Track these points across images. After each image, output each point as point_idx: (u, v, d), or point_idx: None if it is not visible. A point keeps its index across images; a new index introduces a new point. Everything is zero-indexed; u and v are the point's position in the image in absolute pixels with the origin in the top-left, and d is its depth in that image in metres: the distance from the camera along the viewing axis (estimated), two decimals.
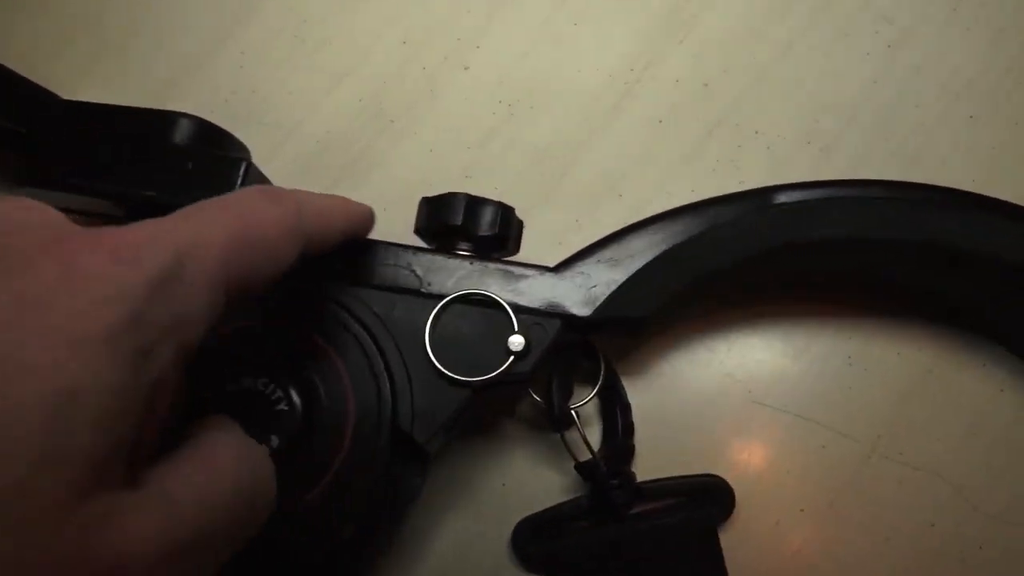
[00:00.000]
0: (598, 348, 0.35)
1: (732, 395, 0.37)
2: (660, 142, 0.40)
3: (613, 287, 0.32)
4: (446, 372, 0.31)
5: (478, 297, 0.32)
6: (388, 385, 0.30)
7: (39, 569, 0.18)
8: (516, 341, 0.31)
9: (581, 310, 0.32)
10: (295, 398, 0.30)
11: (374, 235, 0.34)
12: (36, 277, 0.19)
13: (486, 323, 0.32)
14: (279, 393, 0.30)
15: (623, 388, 0.36)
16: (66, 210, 0.34)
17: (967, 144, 0.39)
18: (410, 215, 0.34)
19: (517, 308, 0.32)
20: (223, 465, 0.23)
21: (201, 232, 0.22)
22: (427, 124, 0.42)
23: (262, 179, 0.34)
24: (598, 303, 0.32)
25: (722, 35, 0.41)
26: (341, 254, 0.32)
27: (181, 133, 0.34)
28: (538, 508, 0.36)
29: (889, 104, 0.40)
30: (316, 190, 0.40)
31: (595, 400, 0.37)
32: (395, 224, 0.37)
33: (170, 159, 0.33)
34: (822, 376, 0.37)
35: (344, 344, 0.31)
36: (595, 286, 0.32)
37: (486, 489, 0.37)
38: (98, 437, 0.18)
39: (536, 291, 0.32)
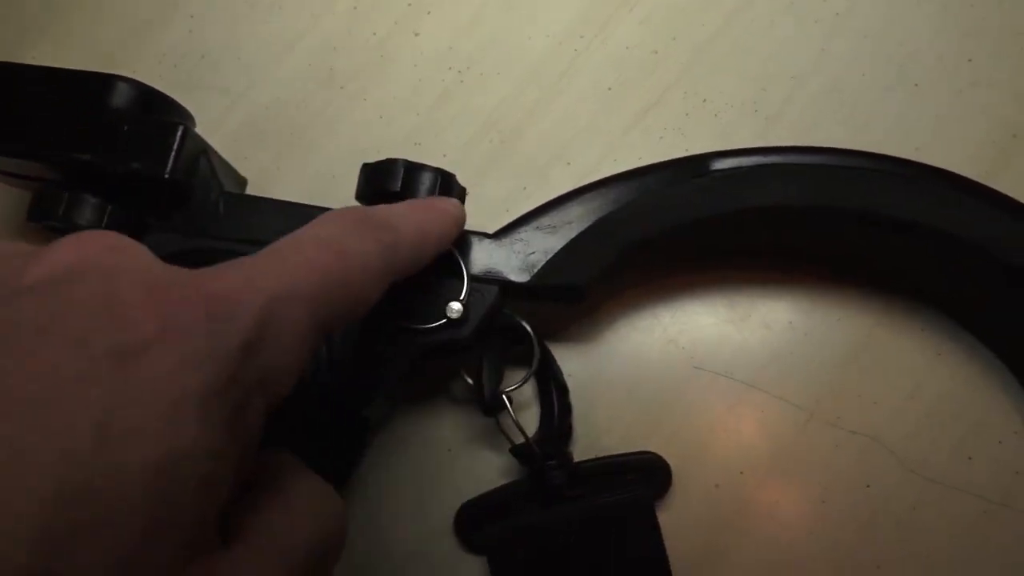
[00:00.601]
0: (530, 329, 0.35)
1: (675, 361, 0.37)
2: (609, 109, 0.40)
3: (550, 254, 0.32)
4: (390, 325, 0.31)
5: None
6: (326, 352, 0.30)
7: None
8: (454, 309, 0.31)
9: (519, 276, 0.32)
10: None
11: (319, 202, 0.33)
12: (135, 331, 0.18)
13: (423, 291, 0.32)
14: None
15: (559, 369, 0.36)
16: (5, 173, 0.34)
17: (912, 111, 0.39)
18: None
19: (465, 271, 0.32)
20: (302, 510, 0.22)
21: (296, 278, 0.21)
22: (377, 90, 0.42)
23: (201, 145, 0.34)
24: (535, 270, 0.32)
25: (672, 2, 0.41)
26: (280, 218, 0.32)
27: (119, 97, 0.34)
28: (481, 483, 0.36)
29: (836, 72, 0.40)
30: (264, 157, 0.40)
31: (532, 382, 0.37)
32: (343, 190, 0.37)
33: (106, 123, 0.32)
34: (763, 342, 0.37)
35: None
36: (533, 253, 0.32)
37: (431, 457, 0.37)
38: (201, 501, 0.18)
39: (475, 257, 0.32)
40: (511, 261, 0.32)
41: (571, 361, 0.37)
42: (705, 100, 0.40)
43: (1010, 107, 0.39)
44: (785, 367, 0.36)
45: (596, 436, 0.36)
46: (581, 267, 0.32)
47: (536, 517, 0.35)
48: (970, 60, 0.39)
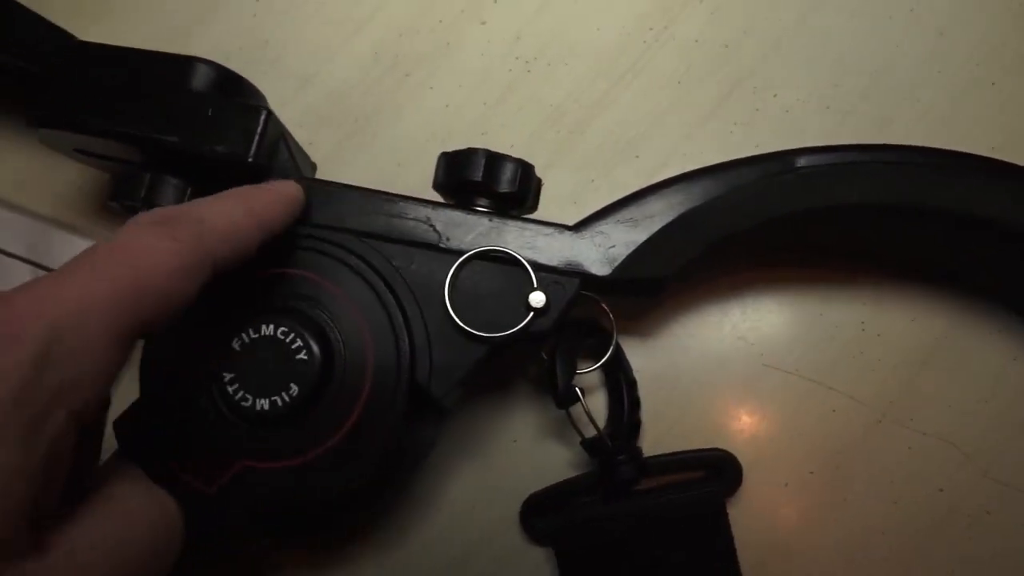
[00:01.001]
0: (613, 321, 0.35)
1: (744, 359, 0.37)
2: (678, 103, 0.40)
3: (632, 247, 0.32)
4: (465, 328, 0.31)
5: (498, 254, 0.32)
6: (407, 339, 0.30)
7: None
8: (537, 298, 0.31)
9: (600, 269, 0.32)
10: (314, 348, 0.30)
11: (391, 188, 0.33)
12: None
13: (505, 280, 0.32)
14: (298, 342, 0.30)
15: (628, 363, 0.36)
16: (82, 152, 0.34)
17: (989, 110, 0.39)
18: (425, 169, 0.34)
19: (536, 266, 0.31)
20: (135, 516, 0.24)
21: (86, 291, 0.22)
22: (443, 78, 0.42)
23: (280, 129, 0.34)
24: (617, 263, 0.32)
25: None
26: (356, 206, 0.32)
27: (200, 79, 0.33)
28: (546, 474, 0.36)
29: (911, 69, 0.39)
30: (328, 143, 0.40)
31: (600, 374, 0.36)
32: (409, 179, 0.37)
33: (190, 105, 0.32)
34: (835, 341, 0.37)
35: (363, 297, 0.31)
36: (614, 246, 0.32)
37: (497, 446, 0.37)
38: None
39: (555, 249, 0.32)
40: (591, 254, 0.32)
41: (639, 355, 0.37)
42: (776, 95, 0.40)
43: None
44: (857, 367, 0.36)
45: (663, 431, 0.36)
46: (664, 261, 0.32)
47: (605, 510, 0.35)
48: None
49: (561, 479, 0.36)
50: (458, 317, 0.31)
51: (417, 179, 0.35)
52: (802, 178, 0.32)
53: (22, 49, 0.34)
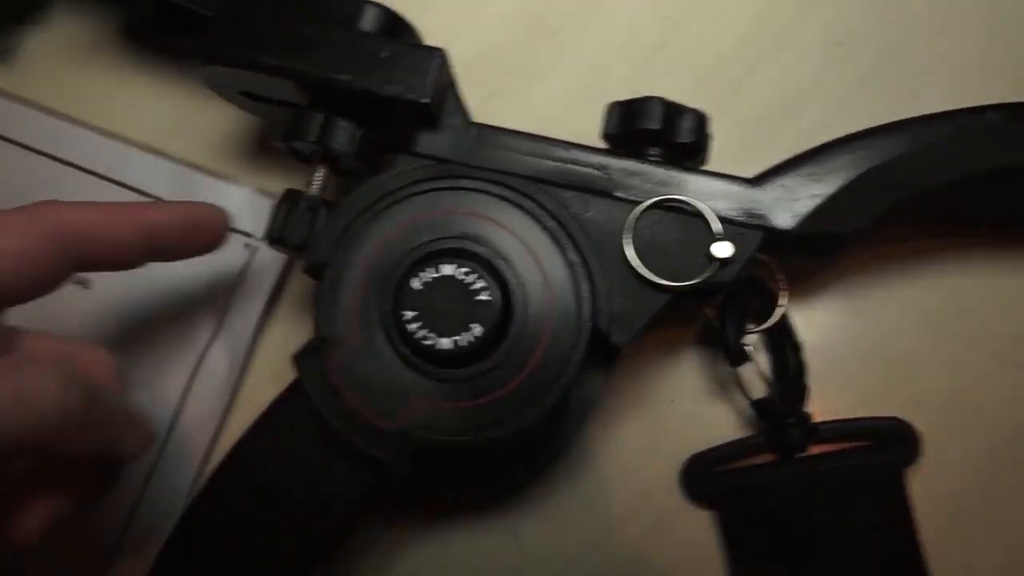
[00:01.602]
0: (777, 281, 0.34)
1: (915, 328, 0.36)
2: (838, 66, 0.39)
3: (817, 201, 0.31)
4: (649, 276, 0.30)
5: (678, 204, 0.31)
6: (588, 286, 0.30)
7: None
8: (722, 248, 0.30)
9: (783, 222, 0.31)
10: (495, 289, 0.29)
11: (558, 134, 0.32)
12: None
13: (684, 230, 0.31)
14: (480, 283, 0.29)
15: (794, 326, 0.35)
16: (245, 94, 0.34)
17: None
18: (574, 126, 0.33)
19: (719, 217, 0.31)
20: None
21: None
22: (590, 37, 0.41)
23: (451, 73, 0.33)
24: (801, 217, 0.31)
25: None
26: (528, 151, 0.31)
27: (369, 20, 0.33)
28: (703, 435, 0.35)
29: None
30: (475, 100, 0.40)
31: (762, 337, 0.36)
32: (558, 135, 0.36)
33: (363, 45, 0.32)
34: (1017, 311, 0.35)
35: (539, 241, 0.30)
36: (798, 200, 0.31)
37: (655, 404, 0.36)
38: None
39: (736, 201, 0.31)
40: (774, 207, 0.31)
41: (801, 318, 0.36)
42: (945, 57, 0.39)
43: None
44: None
45: (829, 397, 0.35)
46: (849, 217, 0.31)
47: (772, 474, 0.34)
48: None
49: (720, 441, 0.35)
50: (641, 265, 0.30)
51: (567, 136, 0.35)
52: (1001, 134, 0.30)
53: None
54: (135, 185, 0.41)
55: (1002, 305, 0.36)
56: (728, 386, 0.36)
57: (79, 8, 0.43)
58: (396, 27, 0.34)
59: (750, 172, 0.32)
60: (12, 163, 0.41)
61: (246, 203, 0.39)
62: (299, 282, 0.39)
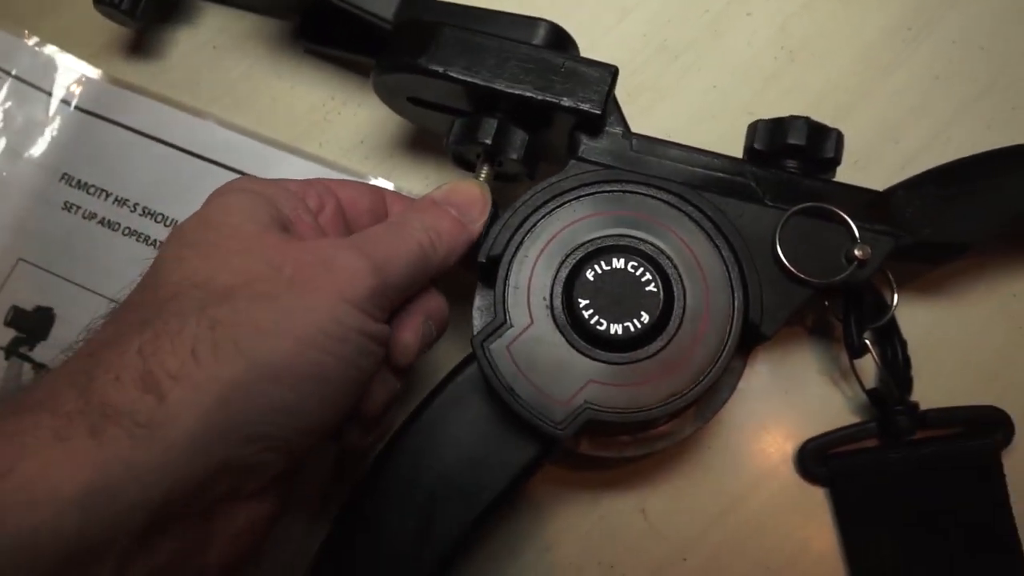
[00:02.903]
0: (889, 284, 0.38)
1: (1010, 324, 0.40)
2: (935, 96, 0.43)
3: (941, 213, 0.35)
4: (796, 273, 0.34)
5: (821, 211, 0.35)
6: (741, 281, 0.33)
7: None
8: (862, 251, 0.34)
9: (913, 231, 0.35)
10: (660, 282, 0.33)
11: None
12: None
13: (825, 234, 0.35)
14: (647, 276, 0.33)
15: (898, 324, 0.39)
16: (412, 100, 0.37)
17: None
18: (695, 142, 0.37)
19: (856, 223, 0.35)
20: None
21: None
22: (710, 63, 0.45)
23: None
24: (927, 227, 0.35)
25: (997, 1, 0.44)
26: (683, 160, 0.35)
27: (541, 36, 0.37)
28: (815, 419, 0.39)
29: None
30: None
31: (873, 335, 0.39)
32: None
33: (540, 59, 0.35)
34: None
35: (698, 241, 0.34)
36: (924, 212, 0.35)
37: (772, 392, 0.40)
38: None
39: (868, 211, 0.35)
40: (903, 216, 0.35)
41: (908, 317, 0.39)
42: None
43: None
44: None
45: (929, 388, 0.39)
46: (970, 228, 0.35)
47: (883, 456, 0.38)
48: None
49: (831, 427, 0.39)
50: (788, 262, 0.34)
51: None
52: None
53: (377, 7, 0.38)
54: None
55: None
56: (836, 378, 0.40)
57: (225, 10, 0.47)
58: (563, 42, 0.38)
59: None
60: (159, 160, 0.45)
61: None
62: None
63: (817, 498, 0.39)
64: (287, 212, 0.31)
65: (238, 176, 0.45)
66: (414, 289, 0.32)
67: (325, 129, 0.46)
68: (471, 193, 0.35)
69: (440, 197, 0.34)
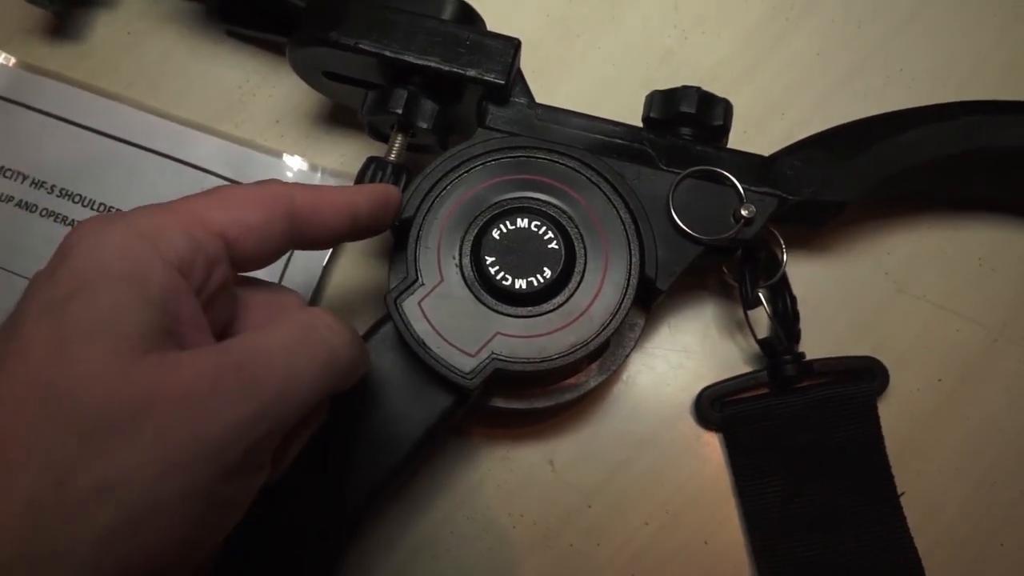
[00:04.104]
0: (779, 245, 0.41)
1: (881, 284, 0.44)
2: (817, 72, 0.47)
3: (820, 174, 0.38)
4: (687, 231, 0.37)
5: (711, 174, 0.38)
6: (638, 238, 0.36)
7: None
8: (748, 210, 0.37)
9: (792, 192, 0.38)
10: (561, 240, 0.35)
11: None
12: None
13: (715, 196, 0.38)
14: (549, 234, 0.35)
15: (789, 281, 0.42)
16: (328, 75, 0.39)
17: None
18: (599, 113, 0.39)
19: (743, 185, 0.37)
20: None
21: None
22: (609, 42, 0.48)
23: (519, 61, 0.39)
24: (807, 187, 0.38)
25: None
26: (585, 128, 0.38)
27: (449, 11, 0.39)
28: (713, 370, 0.42)
29: (1018, 51, 0.47)
30: None
31: (766, 293, 0.42)
32: None
33: (447, 33, 0.38)
34: (957, 272, 0.44)
35: (598, 202, 0.37)
36: (805, 174, 0.38)
37: (673, 346, 0.43)
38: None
39: (755, 174, 0.38)
40: (784, 179, 0.38)
41: (796, 276, 0.43)
42: (902, 69, 0.47)
43: None
44: (977, 295, 0.43)
45: (810, 341, 0.42)
46: (846, 188, 0.38)
47: (772, 402, 0.41)
48: None
49: (726, 376, 0.42)
50: (681, 221, 0.37)
51: None
52: (973, 123, 0.38)
53: None
54: (195, 163, 0.45)
55: (946, 265, 0.44)
56: (733, 332, 0.43)
57: None
58: (471, 17, 0.40)
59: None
60: (75, 143, 0.45)
61: (299, 175, 0.45)
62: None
63: (713, 444, 0.42)
64: (173, 306, 0.25)
65: (156, 156, 0.46)
66: (318, 415, 0.30)
67: (241, 109, 0.47)
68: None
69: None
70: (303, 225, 0.30)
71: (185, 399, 0.23)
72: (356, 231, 0.33)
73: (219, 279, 0.27)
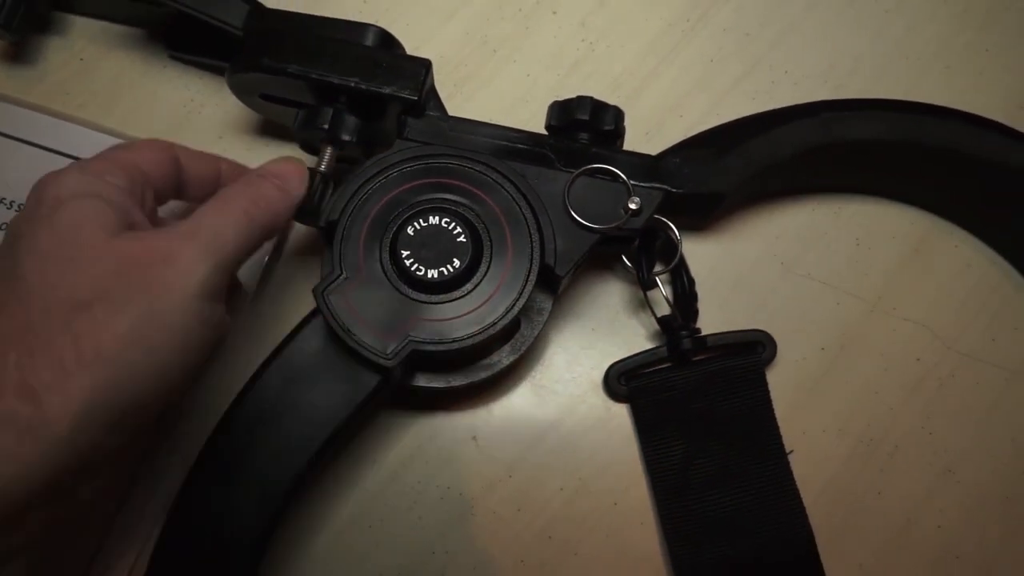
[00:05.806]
0: (675, 229, 0.45)
1: (770, 264, 0.48)
2: (711, 76, 0.52)
3: (700, 170, 0.43)
4: (582, 222, 0.41)
5: (603, 171, 0.42)
6: (538, 230, 0.41)
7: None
8: (635, 201, 0.42)
9: (676, 186, 0.43)
10: (469, 234, 0.40)
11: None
12: None
13: (607, 191, 0.42)
14: (458, 229, 0.40)
15: (687, 265, 0.47)
16: (265, 96, 0.44)
17: (946, 84, 0.51)
18: (512, 122, 0.44)
19: (631, 181, 0.42)
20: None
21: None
22: (523, 54, 0.52)
23: (432, 78, 0.44)
24: (689, 181, 0.43)
25: None
26: (490, 135, 0.42)
27: (369, 38, 0.43)
28: (619, 350, 0.47)
29: (887, 54, 0.52)
30: None
31: (667, 277, 0.47)
32: None
33: (366, 56, 0.42)
34: (837, 252, 0.48)
35: (503, 200, 0.41)
36: (686, 170, 0.43)
37: (584, 327, 0.47)
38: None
39: (643, 171, 0.43)
40: (670, 175, 0.43)
41: (694, 260, 0.47)
42: (787, 72, 0.52)
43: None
44: (855, 268, 0.48)
45: (709, 318, 0.47)
46: (723, 180, 0.43)
47: (672, 374, 0.45)
48: (986, 50, 0.52)
49: (633, 352, 0.46)
50: (576, 214, 0.41)
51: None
52: (829, 119, 0.43)
53: (227, 13, 0.44)
54: None
55: (828, 245, 0.49)
56: (636, 312, 0.48)
57: (94, 22, 0.52)
58: (389, 42, 0.44)
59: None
60: (32, 162, 0.49)
61: None
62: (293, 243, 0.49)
63: (622, 415, 0.46)
64: (128, 208, 0.34)
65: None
66: (251, 253, 0.37)
67: (187, 126, 0.51)
68: (288, 166, 0.40)
69: (262, 170, 0.39)
70: (185, 163, 0.39)
71: (157, 254, 0.32)
72: (265, 199, 0.38)
73: (150, 203, 0.36)
